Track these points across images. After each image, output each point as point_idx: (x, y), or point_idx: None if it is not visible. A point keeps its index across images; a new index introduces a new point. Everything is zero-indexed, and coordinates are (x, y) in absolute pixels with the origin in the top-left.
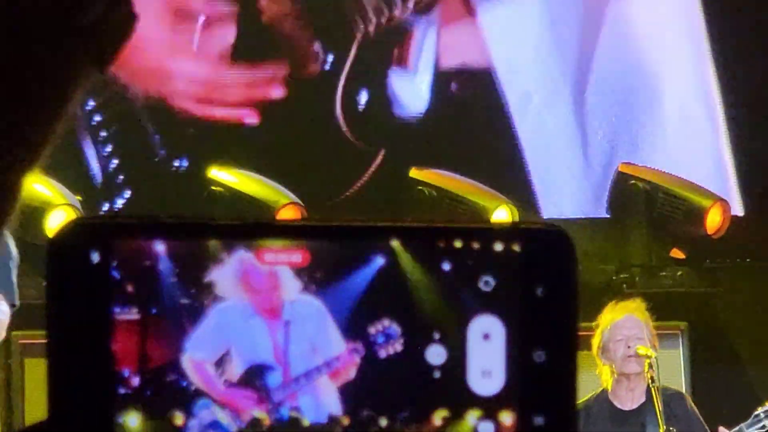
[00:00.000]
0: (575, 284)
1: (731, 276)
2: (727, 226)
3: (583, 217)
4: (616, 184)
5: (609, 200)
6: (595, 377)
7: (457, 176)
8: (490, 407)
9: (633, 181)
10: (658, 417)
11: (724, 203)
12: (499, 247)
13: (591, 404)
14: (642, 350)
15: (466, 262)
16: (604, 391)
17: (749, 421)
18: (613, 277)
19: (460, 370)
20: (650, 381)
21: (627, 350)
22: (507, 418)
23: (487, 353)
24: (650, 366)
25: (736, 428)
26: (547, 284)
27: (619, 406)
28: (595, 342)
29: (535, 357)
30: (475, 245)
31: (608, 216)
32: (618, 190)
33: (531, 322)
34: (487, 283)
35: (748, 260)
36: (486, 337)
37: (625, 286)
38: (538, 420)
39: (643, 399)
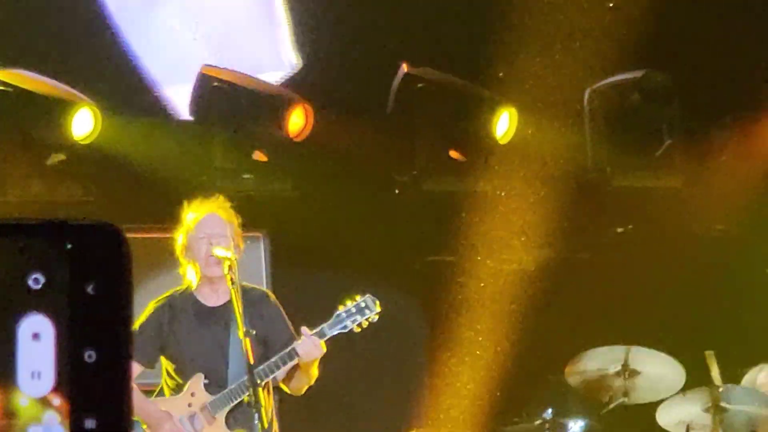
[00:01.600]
0: (127, 281)
1: (312, 180)
2: (310, 130)
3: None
4: (198, 86)
5: (192, 102)
6: None
7: (37, 76)
8: (40, 409)
9: (215, 84)
10: (238, 318)
11: (307, 105)
12: (48, 243)
13: (176, 299)
14: (220, 252)
15: (13, 259)
16: (189, 288)
17: (331, 321)
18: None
19: (10, 371)
20: (230, 283)
21: (209, 249)
22: (56, 420)
23: (36, 354)
24: (230, 268)
25: (318, 328)
26: (98, 282)
27: (204, 303)
28: (178, 240)
29: (85, 357)
30: (23, 241)
31: (191, 118)
32: (200, 92)
33: (81, 321)
34: (36, 280)
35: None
36: (35, 336)
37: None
38: (89, 423)
39: (228, 297)
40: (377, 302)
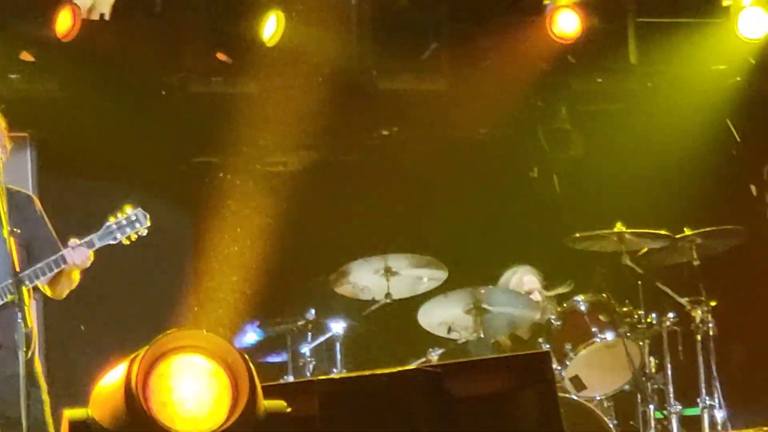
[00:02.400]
0: None
1: (80, 81)
2: (78, 30)
3: None
4: None
5: None
6: None
7: None
8: None
9: None
10: (3, 218)
11: (74, 6)
12: None
13: None
14: None
15: None
16: None
17: (100, 232)
18: None
19: None
20: None
21: None
22: None
23: None
24: None
25: (87, 238)
26: None
27: None
28: None
29: None
30: None
31: None
32: None
33: None
34: None
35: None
36: None
37: None
38: None
39: None
40: (148, 217)
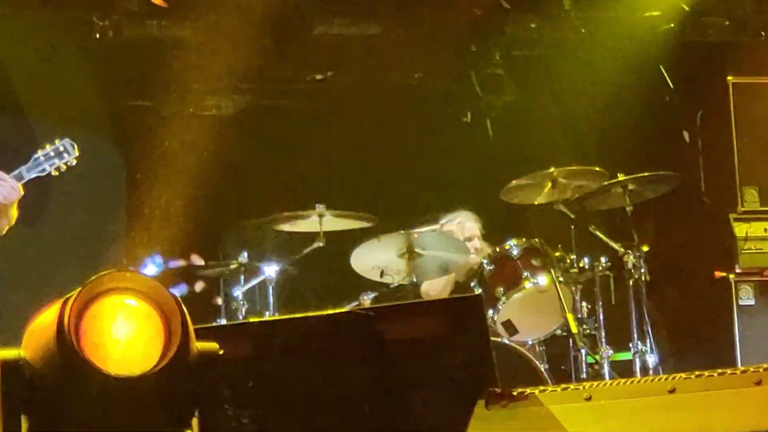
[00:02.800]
0: None
1: (8, 21)
2: None
3: None
4: None
5: None
6: None
7: None
8: None
9: None
10: None
11: None
12: None
13: None
14: None
15: None
16: None
17: (29, 164)
18: None
19: None
20: None
21: None
22: None
23: None
24: None
25: (16, 171)
26: None
27: None
28: None
29: None
30: None
31: None
32: None
33: None
34: None
35: None
36: None
37: None
38: None
39: None
40: (76, 146)
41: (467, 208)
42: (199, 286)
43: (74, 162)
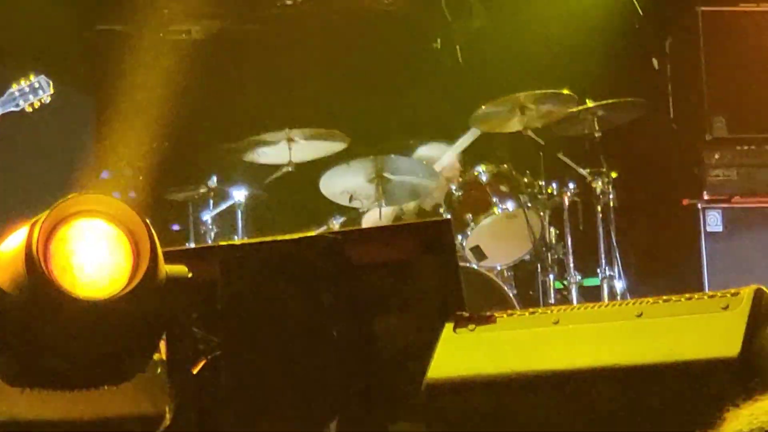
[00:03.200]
0: None
1: None
2: None
3: None
4: None
5: None
6: None
7: None
8: None
9: None
10: None
11: None
12: None
13: None
14: None
15: None
16: None
17: (3, 98)
18: None
19: None
20: None
21: None
22: None
23: None
24: None
25: None
26: None
27: None
28: None
29: None
30: None
31: None
32: None
33: None
34: None
35: None
36: None
37: None
38: None
39: None
40: (51, 84)
41: (447, 142)
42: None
43: (49, 99)
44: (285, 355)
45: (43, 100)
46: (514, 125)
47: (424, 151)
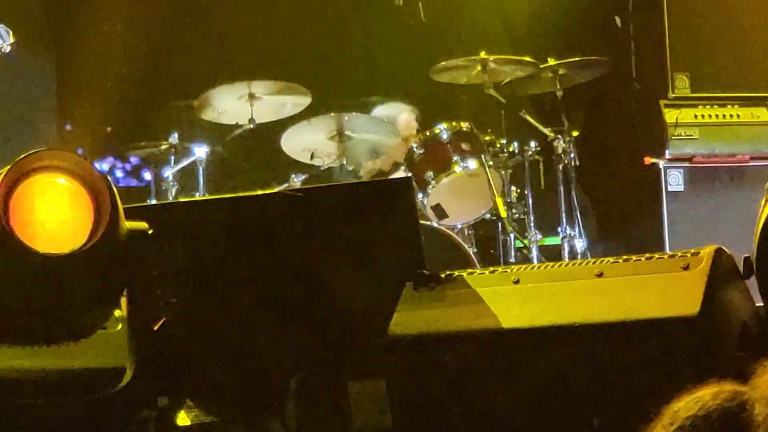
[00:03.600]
0: None
1: None
2: None
3: None
4: None
5: None
6: None
7: None
8: None
9: None
10: None
11: None
12: None
13: None
14: None
15: None
16: None
17: None
18: None
19: None
20: None
21: None
22: None
23: None
24: None
25: None
26: None
27: None
28: None
29: None
30: None
31: None
32: None
33: None
34: None
35: None
36: None
37: None
38: None
39: None
40: (11, 33)
41: (404, 101)
42: None
43: (9, 49)
44: (245, 312)
45: (2, 50)
46: (475, 80)
47: (382, 110)
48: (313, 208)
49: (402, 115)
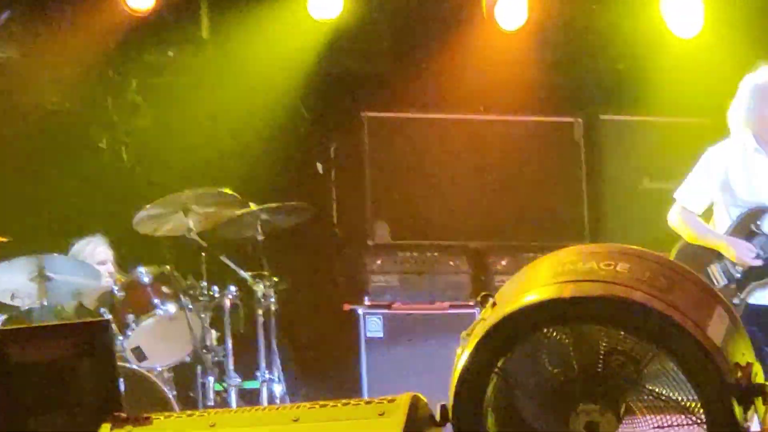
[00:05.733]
0: None
1: None
2: None
3: None
4: None
5: None
6: None
7: None
8: None
9: None
10: None
11: None
12: None
13: None
14: None
15: None
16: None
17: None
18: None
19: None
20: None
21: None
22: None
23: None
24: None
25: None
26: None
27: None
28: None
29: None
30: None
31: None
32: None
33: None
34: None
35: None
36: None
37: None
38: None
39: None
40: None
41: (99, 233)
42: None
43: None
44: None
45: None
46: (178, 228)
47: (81, 245)
48: (10, 350)
49: (93, 242)
